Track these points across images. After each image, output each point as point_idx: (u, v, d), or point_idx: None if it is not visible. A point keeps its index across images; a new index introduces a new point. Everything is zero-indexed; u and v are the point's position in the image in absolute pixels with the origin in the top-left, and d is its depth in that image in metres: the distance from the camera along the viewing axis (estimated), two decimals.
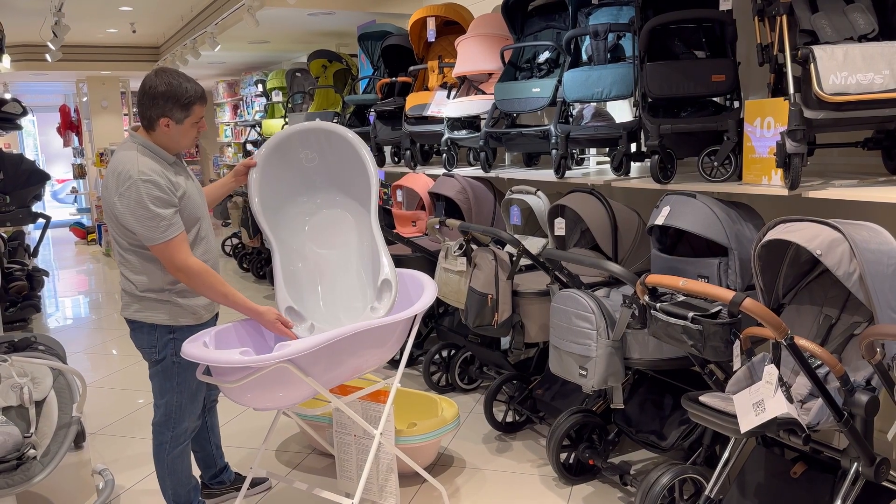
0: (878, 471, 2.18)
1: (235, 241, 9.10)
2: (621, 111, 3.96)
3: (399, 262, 3.08)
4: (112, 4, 7.96)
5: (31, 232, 8.98)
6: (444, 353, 4.43)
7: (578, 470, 3.28)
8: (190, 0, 7.88)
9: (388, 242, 3.23)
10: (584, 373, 2.84)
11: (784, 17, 2.50)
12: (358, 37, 5.91)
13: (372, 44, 5.72)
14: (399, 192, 5.13)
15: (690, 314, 2.31)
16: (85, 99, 12.24)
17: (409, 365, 3.54)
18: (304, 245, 3.05)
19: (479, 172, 4.38)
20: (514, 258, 3.42)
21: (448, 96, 4.63)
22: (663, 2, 3.04)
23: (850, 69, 2.34)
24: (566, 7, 3.68)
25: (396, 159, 5.58)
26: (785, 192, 2.57)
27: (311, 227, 3.08)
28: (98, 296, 8.29)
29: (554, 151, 3.63)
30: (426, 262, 4.34)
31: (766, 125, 2.70)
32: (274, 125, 8.24)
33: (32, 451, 2.83)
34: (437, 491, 3.14)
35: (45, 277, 6.49)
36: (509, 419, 3.85)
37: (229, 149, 12.98)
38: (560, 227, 3.53)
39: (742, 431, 2.15)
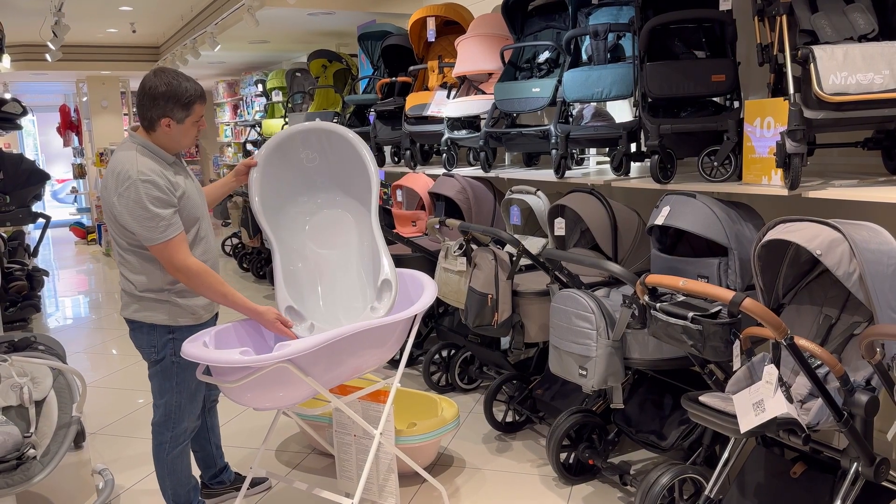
0: (877, 471, 2.18)
1: (235, 241, 9.09)
2: (621, 111, 3.96)
3: (399, 261, 3.08)
4: (112, 4, 7.96)
5: (31, 232, 8.97)
6: (444, 353, 4.43)
7: (578, 470, 3.28)
8: (190, 0, 7.88)
9: (388, 242, 3.23)
10: (584, 373, 2.84)
11: (784, 17, 2.50)
12: (358, 37, 5.91)
13: (372, 44, 5.72)
14: (399, 192, 5.13)
15: (690, 314, 2.31)
16: (85, 99, 12.24)
17: (409, 365, 3.54)
18: (304, 245, 3.05)
19: (479, 172, 4.38)
20: (514, 258, 3.42)
21: (448, 96, 4.62)
22: (663, 2, 3.04)
23: (850, 69, 2.34)
24: (566, 7, 3.67)
25: (396, 159, 5.57)
26: (785, 192, 2.57)
27: (311, 227, 3.08)
28: (98, 296, 8.29)
29: (554, 151, 3.63)
30: (426, 262, 4.33)
31: (766, 125, 2.70)
32: (274, 125, 8.24)
33: (32, 450, 2.82)
34: (437, 491, 3.14)
35: (45, 277, 6.48)
36: (509, 419, 3.85)
37: (229, 149, 12.98)
38: (560, 227, 3.53)
39: (742, 431, 2.15)
